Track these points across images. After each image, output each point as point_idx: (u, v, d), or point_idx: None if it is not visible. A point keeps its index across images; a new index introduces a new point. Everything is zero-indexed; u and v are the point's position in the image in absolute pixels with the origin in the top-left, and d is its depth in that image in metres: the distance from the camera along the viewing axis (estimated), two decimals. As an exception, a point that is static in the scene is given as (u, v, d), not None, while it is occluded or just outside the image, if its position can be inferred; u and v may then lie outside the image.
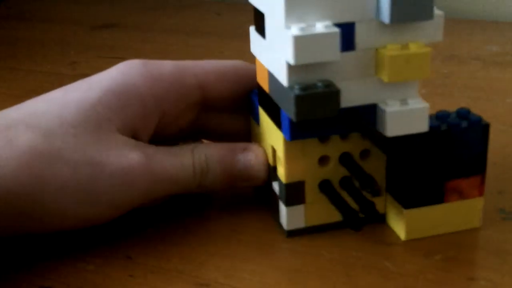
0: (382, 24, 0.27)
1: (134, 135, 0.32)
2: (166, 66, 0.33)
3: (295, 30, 0.25)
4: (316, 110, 0.26)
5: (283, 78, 0.27)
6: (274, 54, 0.28)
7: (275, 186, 0.32)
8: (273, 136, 0.31)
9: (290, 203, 0.31)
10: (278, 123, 0.30)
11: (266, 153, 0.32)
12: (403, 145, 0.29)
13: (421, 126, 0.28)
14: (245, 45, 0.37)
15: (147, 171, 0.30)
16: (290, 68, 0.27)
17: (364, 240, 0.31)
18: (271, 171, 0.32)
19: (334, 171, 0.31)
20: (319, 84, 0.27)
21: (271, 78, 0.29)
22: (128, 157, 0.30)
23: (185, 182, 0.31)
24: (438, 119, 0.30)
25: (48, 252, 0.31)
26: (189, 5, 0.81)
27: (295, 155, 0.30)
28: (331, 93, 0.26)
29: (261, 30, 0.30)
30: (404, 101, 0.28)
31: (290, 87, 0.27)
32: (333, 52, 0.26)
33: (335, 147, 0.30)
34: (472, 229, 0.31)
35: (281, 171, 0.30)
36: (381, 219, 0.32)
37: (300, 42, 0.25)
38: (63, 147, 0.29)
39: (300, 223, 0.31)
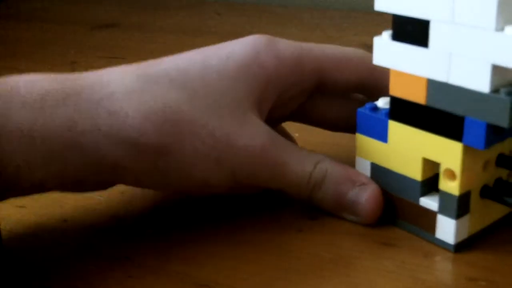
0: None
1: (261, 112, 0.33)
2: (290, 47, 0.34)
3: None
4: None
5: (482, 83, 0.26)
6: (452, 61, 0.27)
7: (429, 201, 0.30)
8: (432, 149, 0.29)
9: (460, 215, 0.29)
10: (452, 134, 0.28)
11: (382, 195, 0.32)
12: None
13: None
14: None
15: (265, 156, 0.31)
16: (494, 72, 0.26)
17: (363, 240, 0.31)
18: (419, 187, 0.30)
19: (492, 174, 0.30)
20: None
21: (434, 87, 0.28)
22: (254, 137, 0.31)
23: (297, 187, 0.32)
24: None
25: (48, 253, 0.31)
26: (189, 5, 0.81)
27: (469, 164, 0.29)
28: None
29: (417, 39, 0.28)
30: None
31: (494, 91, 0.26)
32: None
33: (495, 150, 0.29)
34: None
35: (451, 184, 0.29)
36: None
37: None
38: (204, 111, 0.30)
39: (464, 234, 0.30)
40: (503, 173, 0.31)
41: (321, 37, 0.65)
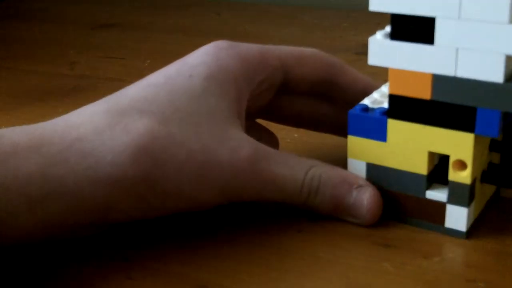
0: None
1: (239, 119, 0.32)
2: (252, 48, 0.34)
3: None
4: None
5: (496, 74, 0.27)
6: (460, 55, 0.28)
7: (436, 193, 0.31)
8: (440, 142, 0.30)
9: (470, 202, 0.30)
10: (462, 125, 0.29)
11: (380, 196, 0.32)
12: None
13: None
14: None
15: (252, 169, 0.31)
16: (507, 62, 0.27)
17: (363, 241, 0.31)
18: (425, 180, 0.31)
19: (486, 160, 0.31)
20: None
21: (440, 82, 0.29)
22: (237, 151, 0.30)
23: (291, 195, 0.32)
24: None
25: (47, 254, 0.31)
26: (189, 5, 0.81)
27: (476, 153, 0.30)
28: None
29: (421, 36, 0.28)
30: None
31: (507, 80, 0.27)
32: None
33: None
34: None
35: (463, 174, 0.30)
36: None
37: None
38: (178, 133, 0.30)
39: (471, 220, 0.31)
40: (492, 157, 0.32)
41: (321, 37, 0.65)
